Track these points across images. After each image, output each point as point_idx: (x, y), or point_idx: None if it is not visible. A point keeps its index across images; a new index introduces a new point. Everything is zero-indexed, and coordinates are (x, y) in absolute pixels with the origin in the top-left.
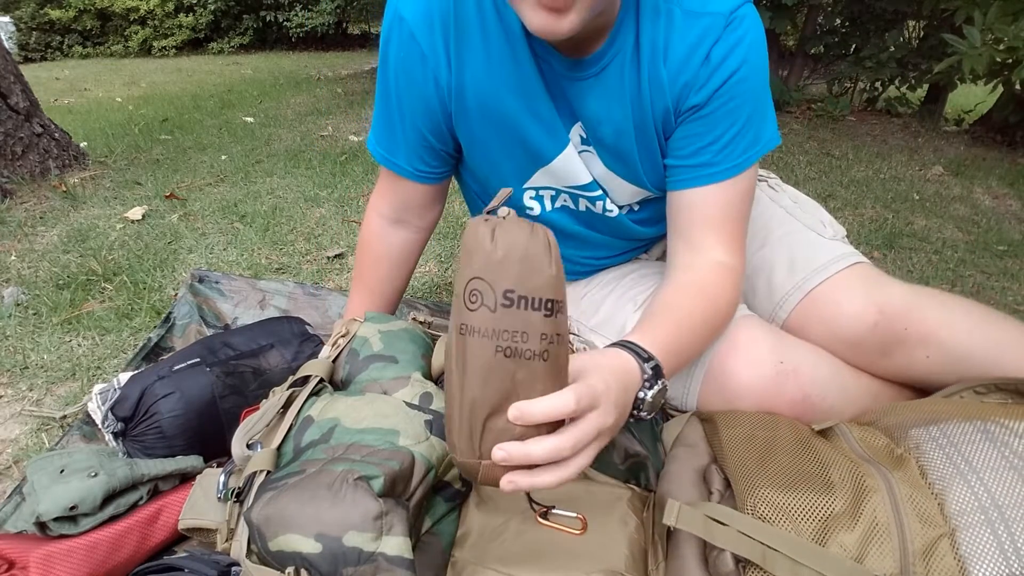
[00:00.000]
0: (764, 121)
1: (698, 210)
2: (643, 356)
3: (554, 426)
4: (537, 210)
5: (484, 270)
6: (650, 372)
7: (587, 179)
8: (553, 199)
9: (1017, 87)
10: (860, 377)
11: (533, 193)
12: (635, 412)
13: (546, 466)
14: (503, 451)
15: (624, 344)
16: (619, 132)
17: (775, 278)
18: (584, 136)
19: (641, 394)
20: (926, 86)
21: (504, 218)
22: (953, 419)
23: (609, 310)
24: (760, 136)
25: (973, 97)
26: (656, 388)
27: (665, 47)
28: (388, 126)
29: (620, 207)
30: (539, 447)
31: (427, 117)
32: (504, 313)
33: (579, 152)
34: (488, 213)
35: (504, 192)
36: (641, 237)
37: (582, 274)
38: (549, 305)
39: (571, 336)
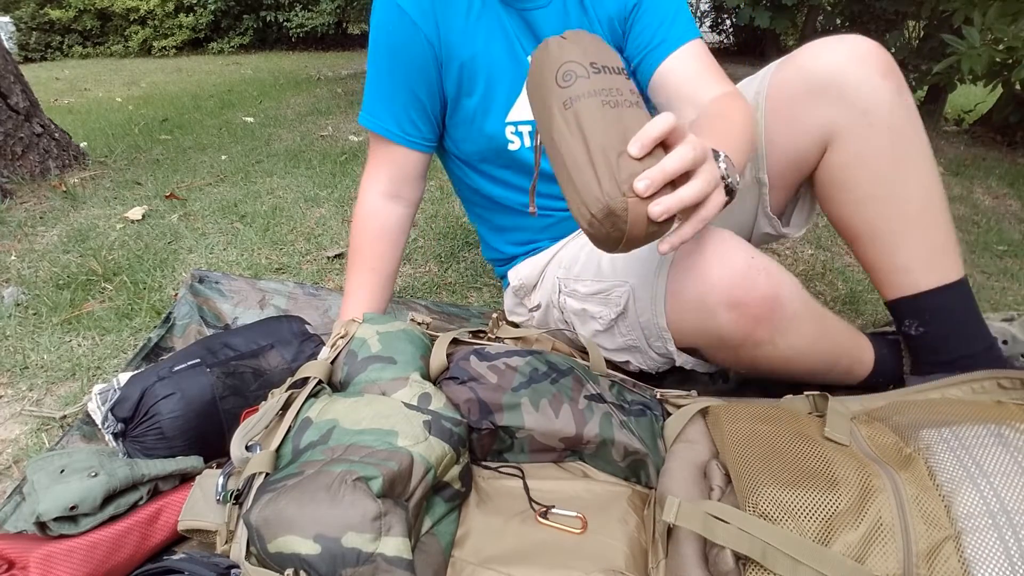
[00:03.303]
0: (689, 16)
1: (680, 71)
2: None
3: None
4: (517, 144)
5: (571, 54)
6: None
7: None
8: (531, 135)
9: (1017, 87)
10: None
11: (513, 129)
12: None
13: (683, 184)
14: (644, 179)
15: None
16: None
17: None
18: None
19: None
20: (926, 87)
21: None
22: (966, 421)
23: (585, 259)
24: (691, 23)
25: (973, 97)
26: (721, 156)
27: None
28: (378, 93)
29: None
30: (670, 158)
31: (420, 76)
32: (597, 78)
33: None
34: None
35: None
36: None
37: (556, 223)
38: (622, 71)
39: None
